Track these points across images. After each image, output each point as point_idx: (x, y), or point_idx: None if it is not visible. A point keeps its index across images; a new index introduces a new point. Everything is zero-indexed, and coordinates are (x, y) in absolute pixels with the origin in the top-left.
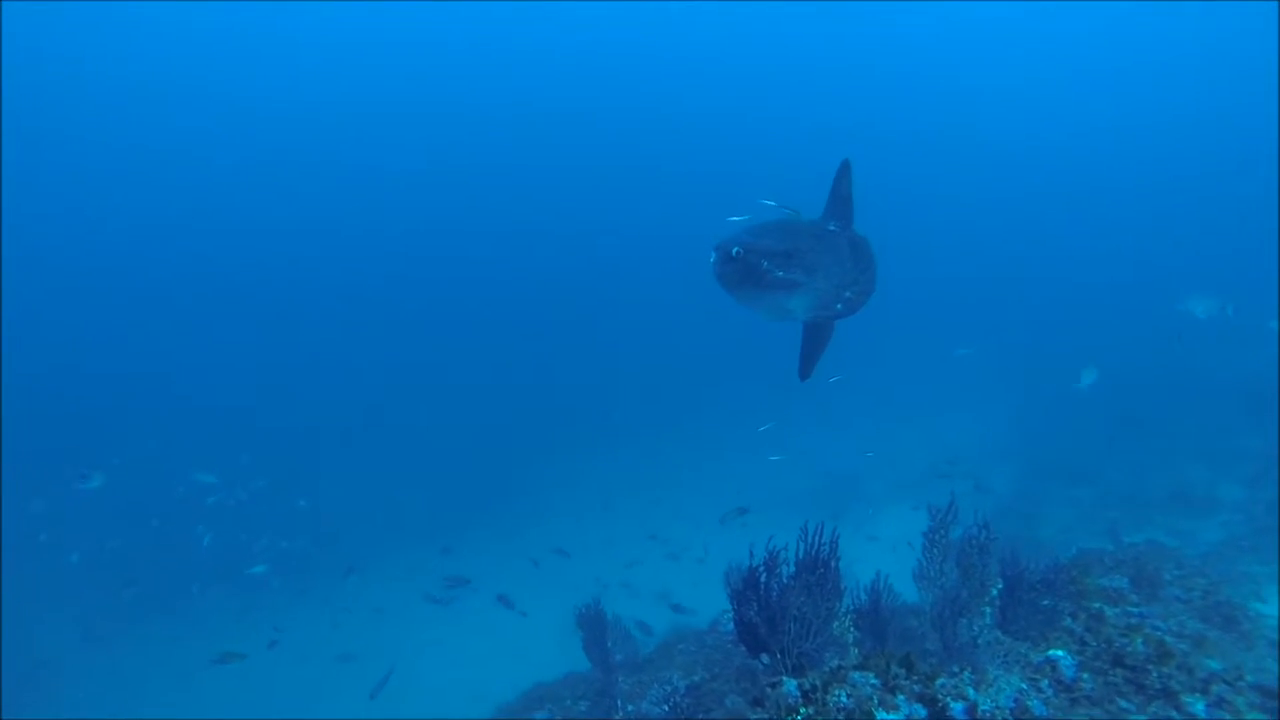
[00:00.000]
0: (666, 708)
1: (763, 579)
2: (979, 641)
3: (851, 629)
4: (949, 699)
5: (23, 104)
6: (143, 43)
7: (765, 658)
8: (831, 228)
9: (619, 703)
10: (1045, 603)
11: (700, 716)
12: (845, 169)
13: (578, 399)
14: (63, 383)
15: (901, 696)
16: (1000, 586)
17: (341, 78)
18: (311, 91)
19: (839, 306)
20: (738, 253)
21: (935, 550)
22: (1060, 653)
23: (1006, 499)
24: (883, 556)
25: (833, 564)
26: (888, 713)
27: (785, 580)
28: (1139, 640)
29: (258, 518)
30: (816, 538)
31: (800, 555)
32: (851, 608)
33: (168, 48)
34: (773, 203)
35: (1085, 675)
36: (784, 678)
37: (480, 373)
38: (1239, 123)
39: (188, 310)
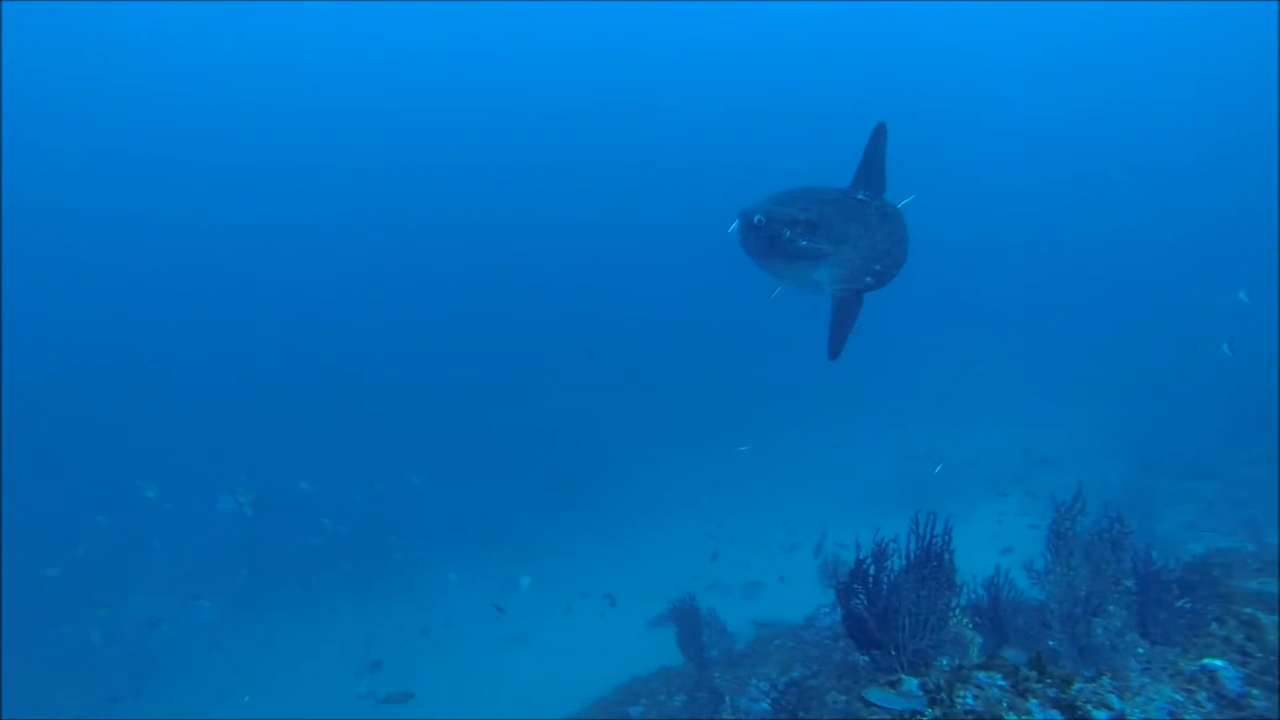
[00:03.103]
0: (768, 704)
1: (871, 572)
2: (1116, 645)
3: (969, 626)
4: (1090, 706)
5: (23, 104)
6: (143, 44)
7: (873, 654)
8: (861, 197)
9: (726, 699)
10: (1184, 604)
11: (803, 715)
12: (880, 133)
13: (664, 397)
14: (67, 384)
15: (1034, 701)
16: (1131, 585)
17: (345, 79)
18: (317, 92)
19: (868, 279)
20: (760, 221)
21: (1061, 544)
22: (1219, 663)
23: (1115, 492)
24: (985, 551)
25: (946, 557)
26: (1019, 717)
27: (896, 573)
28: None
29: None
30: (929, 529)
31: (912, 548)
32: (968, 604)
33: (169, 49)
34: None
35: (1254, 691)
36: (903, 676)
37: (553, 373)
38: (1239, 122)
39: (208, 313)
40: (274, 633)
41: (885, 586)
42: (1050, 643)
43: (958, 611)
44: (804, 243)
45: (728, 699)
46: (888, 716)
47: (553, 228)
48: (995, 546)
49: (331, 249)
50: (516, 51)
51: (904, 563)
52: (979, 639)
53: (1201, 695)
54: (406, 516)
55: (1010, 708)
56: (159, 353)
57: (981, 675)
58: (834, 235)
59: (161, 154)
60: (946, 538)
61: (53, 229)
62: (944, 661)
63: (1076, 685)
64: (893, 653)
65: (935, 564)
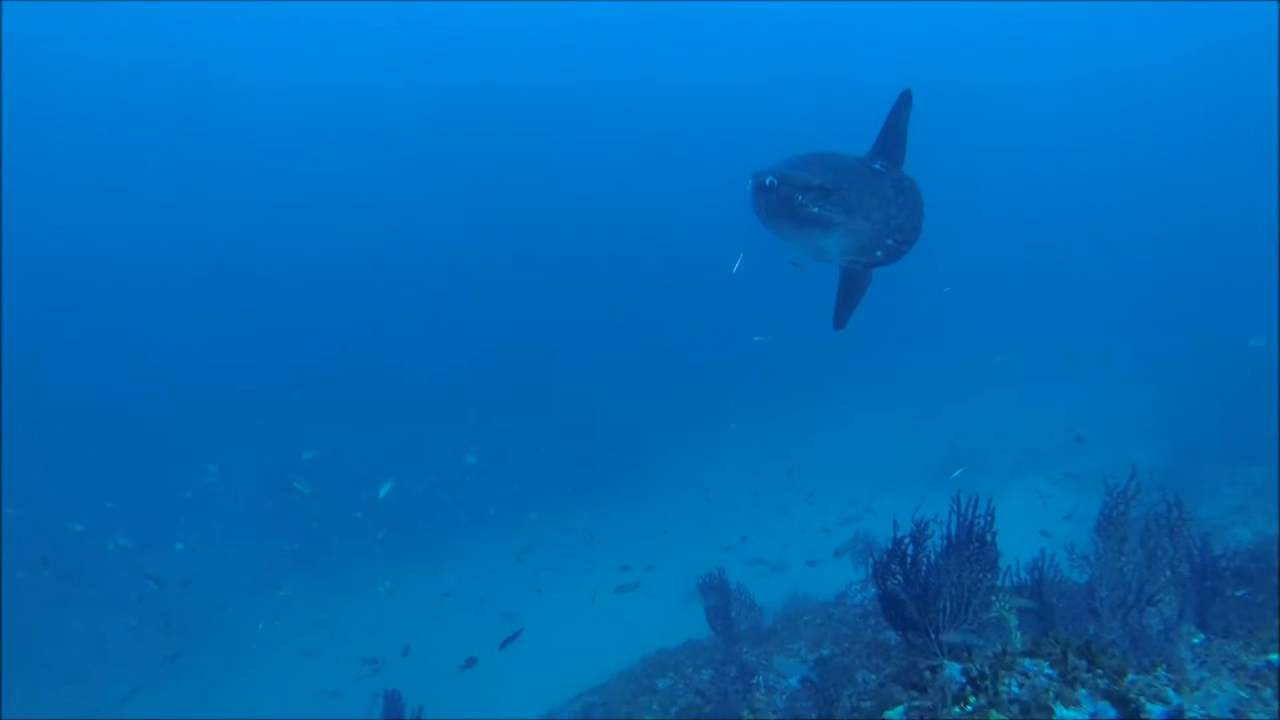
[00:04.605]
0: (797, 680)
1: (910, 552)
2: (1170, 635)
3: (1013, 611)
4: (1144, 699)
5: (23, 102)
6: (144, 41)
7: (909, 636)
8: (877, 167)
9: (758, 680)
10: (1240, 594)
11: (833, 691)
12: (905, 101)
13: (697, 374)
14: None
15: (1084, 692)
16: (1185, 572)
17: (347, 74)
18: (319, 88)
19: (879, 253)
20: (772, 183)
21: (1113, 529)
22: None
23: (1157, 474)
24: (1017, 531)
25: (989, 538)
26: (1069, 709)
27: (935, 554)
28: None
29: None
30: (971, 509)
31: (953, 527)
32: (1011, 587)
33: (169, 46)
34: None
35: None
36: (945, 662)
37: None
38: (1239, 125)
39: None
40: (320, 608)
41: (924, 567)
42: (1090, 629)
43: (1002, 595)
44: (815, 209)
45: (759, 680)
46: (932, 704)
47: (593, 204)
48: (1028, 526)
49: (358, 233)
50: (537, 32)
51: (944, 543)
52: (1027, 626)
53: (1268, 693)
54: (452, 492)
55: (1058, 697)
56: (198, 338)
57: (1027, 663)
58: (847, 204)
59: (179, 144)
60: (989, 518)
61: (57, 224)
62: (997, 648)
63: (1130, 677)
64: (932, 636)
65: (978, 545)
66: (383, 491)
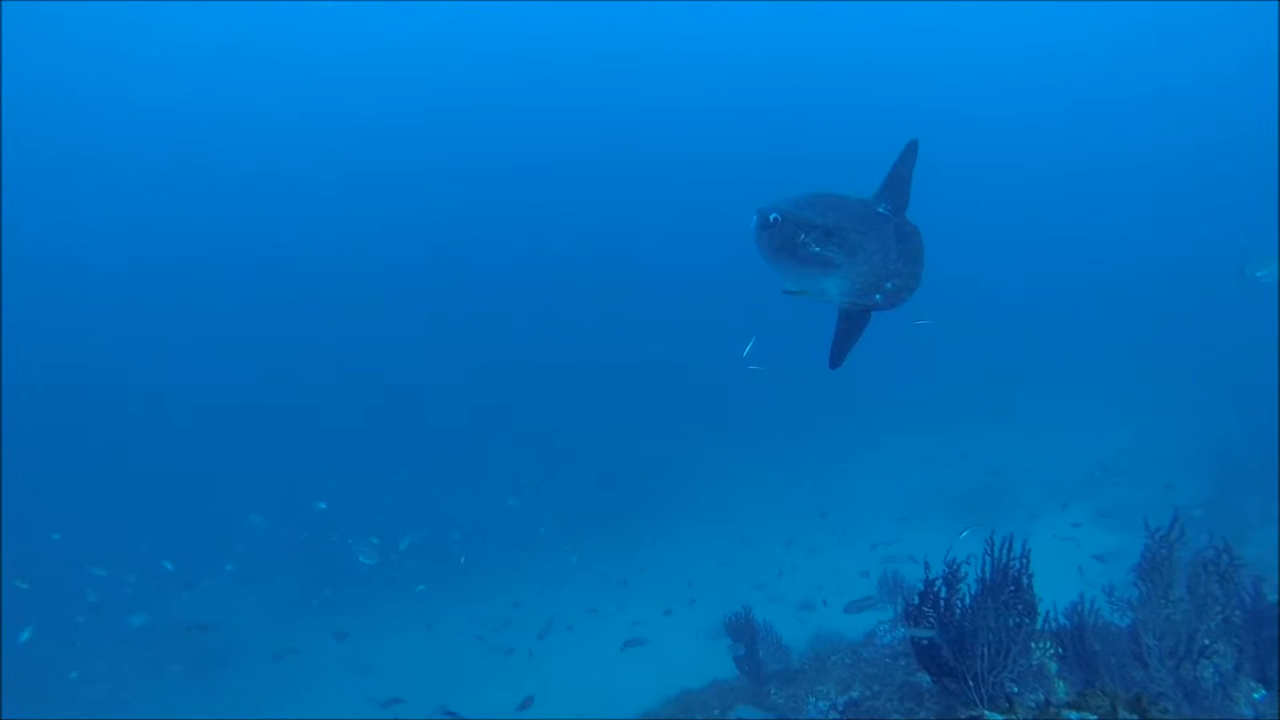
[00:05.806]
0: None
1: (943, 595)
2: (1228, 690)
3: (1053, 658)
4: None
5: (23, 105)
6: (144, 44)
7: (945, 683)
8: (881, 210)
9: None
10: None
11: None
12: (910, 150)
13: (718, 399)
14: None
15: None
16: (1238, 620)
17: (347, 79)
18: (320, 93)
19: (878, 297)
20: (775, 220)
21: (1158, 574)
22: None
23: (1194, 508)
24: (1049, 571)
25: (1025, 580)
26: None
27: (970, 597)
28: None
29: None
30: (1005, 551)
31: (987, 570)
32: (1050, 631)
33: (169, 49)
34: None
35: None
36: (985, 712)
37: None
38: (1237, 123)
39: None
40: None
41: (958, 611)
42: (1137, 677)
43: (1045, 641)
44: (816, 249)
45: None
46: None
47: (604, 234)
48: (1060, 564)
49: (354, 254)
50: (549, 52)
51: (978, 586)
52: (1068, 673)
53: None
54: (488, 538)
55: None
56: (217, 371)
57: (1073, 715)
58: (848, 245)
59: (176, 159)
60: (1025, 560)
61: (55, 232)
62: (1038, 697)
63: None
64: (970, 683)
65: (1014, 588)
66: (403, 544)
